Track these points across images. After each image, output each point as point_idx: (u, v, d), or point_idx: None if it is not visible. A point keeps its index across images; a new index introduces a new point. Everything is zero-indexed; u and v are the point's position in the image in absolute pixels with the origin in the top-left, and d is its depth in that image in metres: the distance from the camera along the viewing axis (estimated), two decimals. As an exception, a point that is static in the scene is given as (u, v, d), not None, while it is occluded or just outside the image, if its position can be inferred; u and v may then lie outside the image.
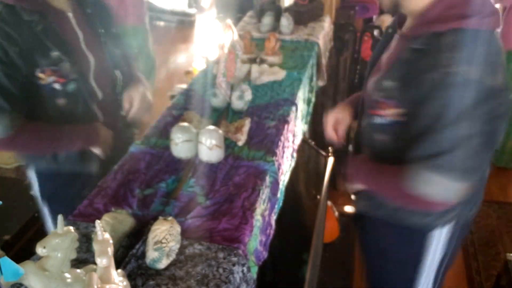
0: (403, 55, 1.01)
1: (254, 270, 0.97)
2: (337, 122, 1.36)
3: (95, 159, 1.35)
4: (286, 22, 1.97)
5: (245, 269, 0.90)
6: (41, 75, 1.18)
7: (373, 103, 1.08)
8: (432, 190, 0.95)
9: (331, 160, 1.87)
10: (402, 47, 1.03)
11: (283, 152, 1.31)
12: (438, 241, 1.17)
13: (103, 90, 1.33)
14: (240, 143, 1.25)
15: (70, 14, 1.27)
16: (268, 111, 1.42)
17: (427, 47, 0.95)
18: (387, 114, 1.03)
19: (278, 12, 2.08)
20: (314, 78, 1.91)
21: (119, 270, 0.81)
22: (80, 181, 1.28)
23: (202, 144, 1.15)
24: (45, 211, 1.44)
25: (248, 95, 1.42)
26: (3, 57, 1.12)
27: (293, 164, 1.46)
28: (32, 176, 1.40)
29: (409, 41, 1.00)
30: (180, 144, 1.18)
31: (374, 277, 1.42)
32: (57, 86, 1.20)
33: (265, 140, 1.27)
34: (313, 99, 1.89)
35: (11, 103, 1.14)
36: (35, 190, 1.43)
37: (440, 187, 0.95)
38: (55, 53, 1.19)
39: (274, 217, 1.18)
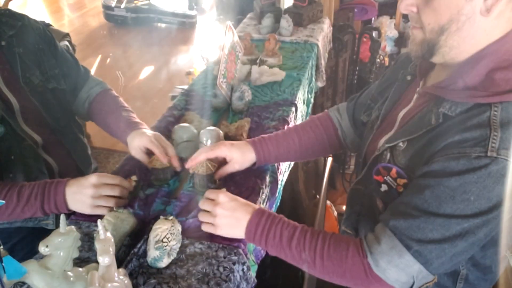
0: (428, 116, 0.81)
1: (254, 269, 0.98)
2: (221, 159, 1.09)
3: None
4: (285, 23, 1.98)
5: (245, 268, 0.91)
6: None
7: (379, 168, 0.89)
8: (398, 275, 0.77)
9: (330, 160, 1.88)
10: (427, 105, 0.84)
11: (283, 152, 1.32)
12: None
13: (42, 134, 1.16)
14: (240, 144, 1.26)
15: None
16: (268, 112, 1.43)
17: (464, 116, 0.76)
18: (395, 184, 0.86)
19: (278, 14, 2.09)
20: (313, 79, 1.92)
21: (121, 269, 0.82)
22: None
23: (202, 144, 1.16)
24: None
25: (248, 96, 1.43)
26: None
27: (292, 164, 1.47)
28: None
29: (435, 101, 0.82)
30: (181, 144, 1.19)
31: None
32: None
33: (265, 141, 1.28)
34: (312, 100, 1.90)
35: None
36: None
37: (409, 274, 0.77)
38: None
39: (273, 217, 1.18)
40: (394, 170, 0.86)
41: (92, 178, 0.99)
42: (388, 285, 0.78)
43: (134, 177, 1.10)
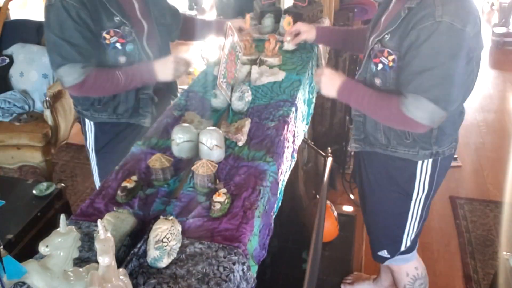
0: (399, 13, 1.22)
1: (254, 269, 0.98)
2: (301, 31, 1.73)
3: (150, 109, 1.55)
4: (286, 23, 1.98)
5: (245, 268, 0.91)
6: (106, 35, 1.40)
7: (376, 53, 1.28)
8: (421, 114, 1.19)
9: (330, 160, 1.88)
10: (398, 8, 1.24)
11: (283, 152, 1.32)
12: (424, 172, 1.41)
13: (153, 53, 1.53)
14: (240, 144, 1.26)
15: None
16: (268, 112, 1.43)
17: (419, 5, 1.17)
18: (386, 61, 1.26)
19: (278, 14, 2.09)
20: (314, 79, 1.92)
21: (121, 269, 0.82)
22: (133, 135, 1.45)
23: (202, 144, 1.16)
24: (95, 164, 1.65)
25: (248, 96, 1.43)
26: (76, 17, 1.33)
27: (293, 164, 1.47)
28: (89, 128, 1.60)
29: (405, 2, 1.21)
30: (181, 144, 1.19)
31: (371, 211, 1.62)
32: (118, 45, 1.43)
33: (265, 141, 1.28)
34: (314, 100, 1.90)
35: (83, 56, 1.36)
36: (90, 142, 1.62)
37: (428, 112, 1.18)
38: (117, 18, 1.41)
39: (273, 217, 1.19)
40: (386, 51, 1.26)
41: (171, 57, 1.49)
42: (419, 123, 1.21)
43: (134, 177, 1.10)
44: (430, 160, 1.39)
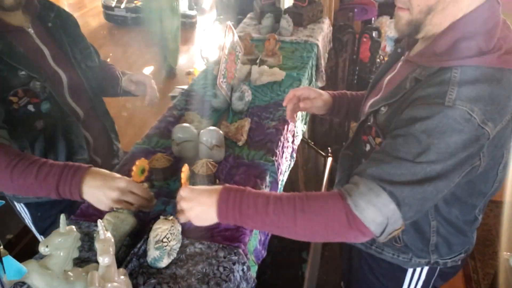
0: (405, 83, 0.92)
1: (254, 269, 0.98)
2: (303, 97, 1.20)
3: None
4: (285, 23, 1.98)
5: (245, 268, 0.91)
6: (12, 98, 1.09)
7: (365, 128, 1.00)
8: (375, 215, 0.81)
9: (330, 160, 1.88)
10: (405, 73, 0.95)
11: (283, 152, 1.32)
12: (416, 280, 1.13)
13: (83, 108, 1.26)
14: (240, 143, 1.26)
15: (30, 30, 1.19)
16: (268, 112, 1.43)
17: (430, 79, 0.86)
18: (373, 143, 0.97)
19: (278, 14, 2.09)
20: (314, 79, 1.92)
21: (121, 269, 0.82)
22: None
23: (202, 144, 1.16)
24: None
25: (248, 96, 1.43)
26: None
27: (292, 164, 1.47)
28: (22, 212, 1.30)
29: (414, 68, 0.92)
30: (181, 144, 1.19)
31: None
32: (31, 108, 1.12)
33: (265, 140, 1.28)
34: (312, 100, 1.90)
35: None
36: (30, 225, 1.34)
37: (384, 215, 0.82)
38: (22, 73, 1.10)
39: (273, 217, 1.19)
40: (373, 129, 0.96)
41: (121, 183, 0.94)
42: (366, 228, 0.82)
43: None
44: (426, 268, 1.11)
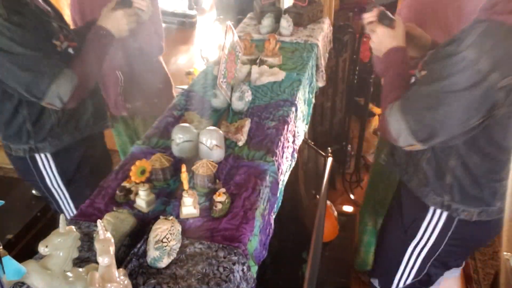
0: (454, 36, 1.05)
1: (254, 269, 0.97)
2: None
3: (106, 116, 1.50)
4: (285, 23, 1.98)
5: (245, 268, 0.91)
6: (56, 42, 1.28)
7: (414, 64, 1.17)
8: (392, 124, 1.09)
9: (330, 160, 1.88)
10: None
11: (283, 152, 1.32)
12: (434, 224, 1.24)
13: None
14: (240, 143, 1.26)
15: None
16: (268, 112, 1.43)
17: (466, 29, 1.00)
18: (419, 75, 1.13)
19: (278, 14, 2.09)
20: (314, 79, 1.91)
21: (121, 269, 0.82)
22: (99, 149, 1.37)
23: (202, 144, 1.16)
24: (69, 198, 1.48)
25: (248, 96, 1.43)
26: (30, 28, 1.20)
27: (293, 164, 1.47)
28: (44, 165, 1.41)
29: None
30: (181, 144, 1.19)
31: (381, 230, 1.52)
32: (71, 50, 1.32)
33: (265, 140, 1.28)
34: (313, 100, 1.89)
35: (60, 59, 1.26)
36: (51, 179, 1.44)
37: (396, 128, 1.08)
38: (54, 24, 1.29)
39: (273, 217, 1.19)
40: (420, 64, 1.13)
41: (117, 11, 1.40)
42: (388, 130, 1.10)
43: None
44: (445, 214, 1.20)
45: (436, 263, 1.31)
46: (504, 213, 1.20)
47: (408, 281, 1.41)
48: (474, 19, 1.01)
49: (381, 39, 1.25)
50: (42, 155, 1.39)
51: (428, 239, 1.26)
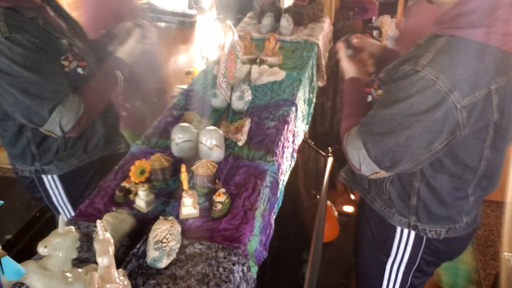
0: (412, 48, 1.04)
1: (254, 270, 0.97)
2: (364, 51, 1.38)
3: (120, 138, 1.45)
4: (286, 23, 1.98)
5: (245, 268, 0.91)
6: (64, 62, 1.21)
7: (369, 81, 1.16)
8: (352, 153, 1.05)
9: (330, 160, 1.88)
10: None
11: (283, 152, 1.32)
12: (404, 242, 1.20)
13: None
14: (240, 143, 1.25)
15: (48, 8, 1.29)
16: (268, 112, 1.42)
17: (424, 44, 0.98)
18: (375, 94, 1.12)
19: (278, 13, 2.08)
20: (314, 79, 1.91)
21: (120, 270, 0.81)
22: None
23: (202, 144, 1.16)
24: (67, 213, 1.42)
25: (248, 96, 1.43)
26: (32, 47, 1.13)
27: (293, 164, 1.47)
28: (51, 186, 1.36)
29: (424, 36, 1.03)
30: (180, 144, 1.19)
31: (355, 252, 1.46)
32: (80, 70, 1.25)
33: (265, 140, 1.27)
34: (314, 100, 1.89)
35: (66, 86, 1.19)
36: (58, 199, 1.39)
37: (357, 155, 1.03)
38: (63, 41, 1.23)
39: (273, 217, 1.18)
40: (376, 82, 1.10)
41: (131, 38, 1.42)
42: (349, 158, 1.07)
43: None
44: (413, 233, 1.17)
45: (417, 274, 1.28)
46: (477, 224, 1.21)
47: None
48: (429, 33, 0.98)
49: (343, 68, 1.32)
50: (49, 177, 1.34)
51: (403, 256, 1.23)
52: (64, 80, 1.19)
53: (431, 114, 0.90)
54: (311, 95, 1.82)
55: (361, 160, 1.02)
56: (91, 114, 1.26)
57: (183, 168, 0.97)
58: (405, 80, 0.92)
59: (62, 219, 0.72)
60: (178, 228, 0.91)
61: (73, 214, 1.36)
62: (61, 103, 1.15)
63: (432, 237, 1.16)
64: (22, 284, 0.82)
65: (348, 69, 1.29)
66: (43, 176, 1.34)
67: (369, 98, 1.14)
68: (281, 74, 1.63)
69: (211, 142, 1.15)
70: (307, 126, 1.78)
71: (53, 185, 1.36)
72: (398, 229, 1.19)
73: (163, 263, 0.87)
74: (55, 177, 1.34)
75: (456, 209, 1.12)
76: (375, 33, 2.78)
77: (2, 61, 1.10)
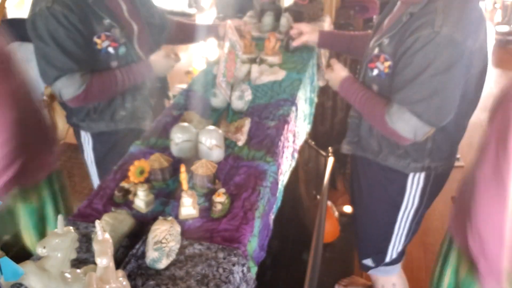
0: (401, 18, 1.18)
1: (254, 270, 0.97)
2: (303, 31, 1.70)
3: (148, 110, 1.54)
4: (286, 22, 1.97)
5: (245, 269, 0.91)
6: (97, 40, 1.34)
7: (372, 57, 1.25)
8: (403, 126, 1.16)
9: (331, 160, 1.88)
10: (401, 12, 1.22)
11: (283, 152, 1.31)
12: (415, 186, 1.37)
13: (145, 55, 1.49)
14: (240, 143, 1.25)
15: None
16: (268, 111, 1.42)
17: (421, 11, 1.13)
18: (382, 67, 1.23)
19: (278, 12, 2.08)
20: (315, 78, 1.91)
21: (119, 270, 0.81)
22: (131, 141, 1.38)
23: (202, 144, 1.15)
24: (97, 177, 1.58)
25: (248, 95, 1.42)
26: (66, 24, 1.26)
27: (293, 164, 1.46)
28: (86, 141, 1.53)
29: (408, 6, 1.18)
30: (180, 144, 1.18)
31: (360, 217, 1.59)
32: (111, 50, 1.37)
33: (265, 140, 1.27)
34: (315, 99, 1.89)
35: (79, 64, 1.30)
36: (88, 155, 1.56)
37: (410, 125, 1.15)
38: (106, 21, 1.35)
39: (272, 218, 1.18)
40: (382, 56, 1.22)
41: (161, 51, 1.50)
42: (401, 136, 1.18)
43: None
44: (423, 174, 1.34)
45: (419, 218, 1.45)
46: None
47: (400, 248, 1.51)
48: (419, 3, 1.14)
49: (336, 74, 1.41)
50: (83, 132, 1.52)
51: (413, 201, 1.39)
52: (82, 56, 1.31)
53: (459, 63, 1.08)
54: (312, 95, 1.82)
55: (415, 127, 1.15)
56: (96, 94, 1.37)
57: (183, 168, 0.97)
58: (429, 44, 1.08)
59: (61, 219, 0.71)
60: (177, 228, 0.90)
61: (95, 173, 1.57)
62: (65, 76, 1.29)
63: (441, 172, 1.34)
64: (21, 284, 0.82)
65: (333, 77, 1.42)
66: (81, 131, 1.52)
67: (374, 72, 1.25)
68: (281, 74, 1.63)
69: (210, 142, 1.14)
70: (309, 126, 1.77)
71: (85, 140, 1.54)
72: (410, 176, 1.34)
73: (163, 263, 0.86)
74: (88, 134, 1.51)
75: (458, 140, 1.34)
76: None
77: (37, 25, 1.28)
